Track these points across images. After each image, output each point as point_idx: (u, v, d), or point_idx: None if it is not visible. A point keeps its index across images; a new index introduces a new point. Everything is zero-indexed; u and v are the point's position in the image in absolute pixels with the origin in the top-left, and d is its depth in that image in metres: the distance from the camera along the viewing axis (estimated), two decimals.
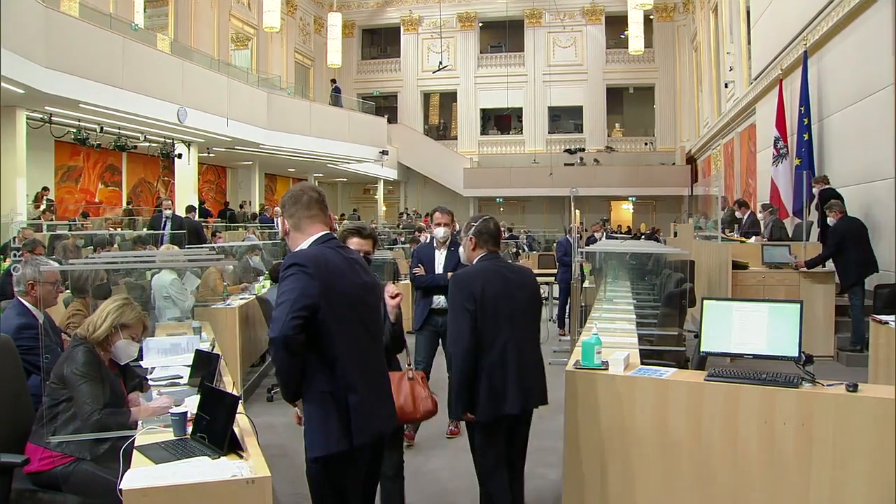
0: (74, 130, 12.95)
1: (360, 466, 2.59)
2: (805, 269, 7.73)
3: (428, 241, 5.58)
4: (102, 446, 2.88)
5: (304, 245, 2.57)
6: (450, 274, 4.93)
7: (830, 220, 7.78)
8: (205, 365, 3.51)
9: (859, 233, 7.47)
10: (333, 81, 21.83)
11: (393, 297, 3.14)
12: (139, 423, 2.91)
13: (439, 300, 5.09)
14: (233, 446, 2.52)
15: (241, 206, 19.86)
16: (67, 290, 6.10)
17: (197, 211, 14.23)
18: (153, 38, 15.29)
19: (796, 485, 3.08)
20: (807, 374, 3.18)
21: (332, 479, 2.52)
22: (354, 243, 3.09)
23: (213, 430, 2.58)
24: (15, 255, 4.04)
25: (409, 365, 3.40)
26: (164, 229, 10.77)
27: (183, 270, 6.21)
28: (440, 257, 5.27)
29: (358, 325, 2.57)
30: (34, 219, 11.71)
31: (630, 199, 26.34)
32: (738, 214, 11.10)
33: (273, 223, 16.54)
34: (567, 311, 9.47)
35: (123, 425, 2.88)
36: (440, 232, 5.28)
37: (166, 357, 4.23)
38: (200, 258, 6.27)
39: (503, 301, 3.23)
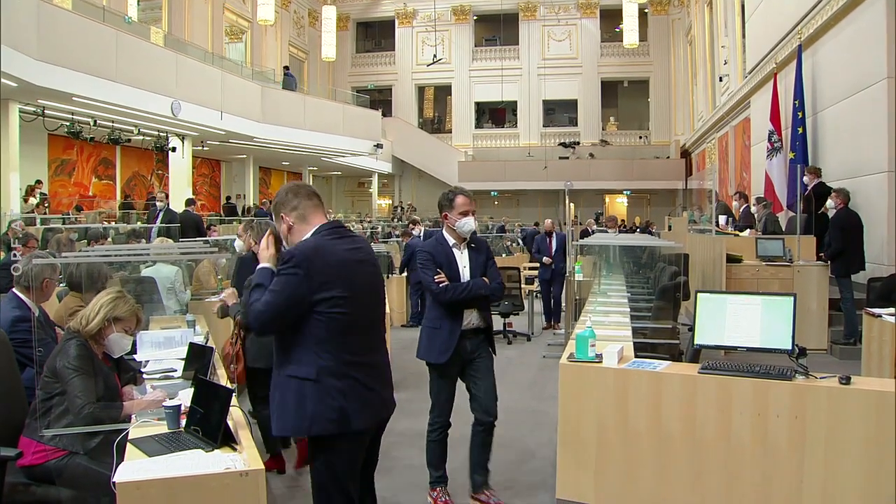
0: (68, 124, 12.88)
1: (358, 451, 2.56)
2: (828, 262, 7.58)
3: (435, 236, 4.02)
4: (95, 440, 2.87)
5: (308, 235, 2.54)
6: (485, 279, 3.75)
7: (831, 204, 7.69)
8: (199, 358, 3.50)
9: (857, 229, 7.46)
10: (286, 69, 21.65)
11: None
12: (133, 416, 2.90)
13: (471, 317, 3.71)
14: (226, 439, 2.52)
15: (239, 198, 19.88)
16: (62, 285, 6.07)
17: (194, 205, 14.15)
18: (147, 30, 15.23)
19: (789, 476, 3.10)
20: (800, 366, 3.19)
21: (336, 461, 2.48)
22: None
23: (206, 423, 2.58)
24: (15, 255, 4.01)
25: None
26: (156, 222, 10.73)
27: (179, 263, 6.18)
28: (462, 258, 3.76)
29: (361, 312, 2.54)
30: (27, 212, 11.66)
31: (625, 192, 26.34)
32: (735, 205, 11.09)
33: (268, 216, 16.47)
34: (561, 305, 9.48)
35: (116, 419, 2.87)
36: (469, 223, 3.74)
37: (160, 350, 4.22)
38: (194, 251, 6.23)
39: None
